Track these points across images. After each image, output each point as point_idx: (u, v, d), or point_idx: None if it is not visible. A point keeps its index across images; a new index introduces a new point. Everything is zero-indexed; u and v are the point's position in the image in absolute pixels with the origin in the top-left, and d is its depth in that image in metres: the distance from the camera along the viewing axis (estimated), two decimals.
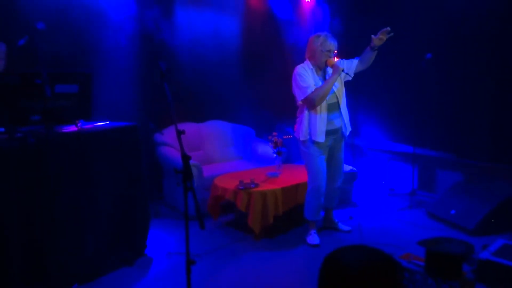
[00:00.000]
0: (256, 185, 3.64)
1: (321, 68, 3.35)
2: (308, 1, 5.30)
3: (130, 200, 3.13)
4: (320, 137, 3.29)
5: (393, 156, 5.08)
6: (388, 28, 3.22)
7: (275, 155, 4.02)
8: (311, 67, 3.33)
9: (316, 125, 3.27)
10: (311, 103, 3.22)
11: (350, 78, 3.32)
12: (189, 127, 4.52)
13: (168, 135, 4.36)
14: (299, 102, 3.37)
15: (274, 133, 4.02)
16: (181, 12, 4.69)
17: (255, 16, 5.23)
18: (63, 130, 2.77)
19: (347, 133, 3.50)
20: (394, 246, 3.36)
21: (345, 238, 3.65)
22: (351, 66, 3.40)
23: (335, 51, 3.33)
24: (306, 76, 3.26)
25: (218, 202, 3.87)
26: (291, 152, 4.88)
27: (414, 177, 4.70)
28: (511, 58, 4.04)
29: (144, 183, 3.24)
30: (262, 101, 5.43)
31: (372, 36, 3.26)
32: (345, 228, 3.79)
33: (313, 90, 3.20)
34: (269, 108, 5.51)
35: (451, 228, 3.80)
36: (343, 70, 3.18)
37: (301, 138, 3.38)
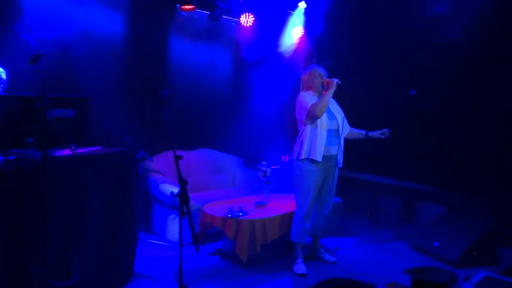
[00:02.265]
0: (245, 213, 3.69)
1: (320, 93, 3.56)
2: (298, 37, 5.54)
3: (119, 226, 3.14)
4: (319, 156, 3.43)
5: (378, 189, 5.22)
6: (389, 130, 3.72)
7: (264, 183, 4.09)
8: (312, 93, 3.59)
9: (316, 144, 3.44)
10: (312, 114, 3.41)
11: (340, 82, 3.51)
12: (179, 154, 4.56)
13: (157, 162, 4.39)
14: (302, 122, 3.55)
15: (264, 162, 4.11)
16: (176, 43, 4.85)
17: (245, 49, 5.43)
18: (58, 154, 2.81)
19: (339, 165, 3.63)
20: (380, 276, 3.42)
21: (331, 269, 3.70)
22: (346, 123, 3.69)
23: (326, 75, 3.60)
24: (308, 97, 3.51)
25: (206, 229, 3.89)
26: (279, 182, 4.97)
27: (398, 209, 4.83)
28: (492, 95, 4.28)
29: (134, 209, 3.26)
30: (251, 131, 5.56)
31: (370, 133, 3.75)
32: (331, 259, 3.85)
33: (312, 104, 3.42)
34: (257, 138, 5.64)
35: (435, 260, 3.90)
36: (338, 82, 3.44)
37: (300, 157, 3.51)
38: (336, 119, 3.55)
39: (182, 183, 2.08)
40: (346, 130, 3.71)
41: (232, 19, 5.17)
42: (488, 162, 4.31)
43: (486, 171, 4.32)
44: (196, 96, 5.08)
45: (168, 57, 4.79)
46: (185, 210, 2.06)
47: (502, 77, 4.19)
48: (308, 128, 3.49)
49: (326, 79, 3.53)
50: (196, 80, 5.07)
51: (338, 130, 3.55)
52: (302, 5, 5.22)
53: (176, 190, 2.20)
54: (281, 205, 4.03)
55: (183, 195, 2.04)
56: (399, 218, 4.84)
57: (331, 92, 3.43)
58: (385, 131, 3.75)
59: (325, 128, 3.47)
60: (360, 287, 1.09)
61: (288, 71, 5.83)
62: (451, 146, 4.60)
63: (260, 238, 3.61)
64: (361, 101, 3.92)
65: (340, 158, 3.61)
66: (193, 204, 4.15)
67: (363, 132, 3.79)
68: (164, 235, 4.22)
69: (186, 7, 4.52)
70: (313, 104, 3.40)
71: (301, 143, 3.52)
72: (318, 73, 3.56)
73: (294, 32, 5.45)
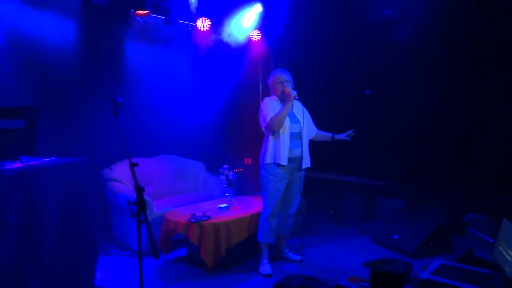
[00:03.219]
0: (208, 217, 3.68)
1: (284, 99, 3.60)
2: (255, 40, 5.59)
3: (78, 238, 3.05)
4: (283, 160, 3.51)
5: (339, 187, 5.34)
6: (353, 131, 3.88)
7: (227, 186, 4.10)
8: (276, 99, 3.65)
9: (280, 149, 3.52)
10: (270, 128, 3.52)
11: (297, 97, 3.56)
12: (139, 162, 4.44)
13: (116, 170, 4.31)
14: (263, 129, 3.63)
15: (225, 166, 4.12)
16: (132, 47, 4.77)
17: (204, 53, 5.42)
18: (6, 167, 2.70)
19: (305, 166, 3.71)
20: (342, 271, 3.51)
21: (296, 268, 3.75)
22: (312, 124, 3.84)
23: (289, 81, 3.64)
24: (270, 106, 3.57)
25: (170, 236, 3.85)
26: (243, 185, 4.99)
27: (359, 206, 4.96)
28: (443, 92, 4.48)
29: (93, 220, 3.18)
30: (213, 135, 5.55)
31: (336, 136, 3.89)
32: (296, 257, 3.92)
33: (271, 117, 3.49)
34: (220, 142, 5.64)
35: (394, 252, 4.04)
36: (295, 97, 3.49)
37: (266, 162, 3.58)
38: (298, 122, 3.63)
39: (139, 190, 2.05)
40: (312, 132, 3.83)
41: (188, 24, 5.15)
42: (441, 157, 4.52)
43: (440, 166, 4.53)
44: (156, 102, 5.02)
45: (124, 63, 4.70)
46: (142, 218, 2.02)
47: (452, 74, 4.40)
48: (271, 135, 3.58)
49: (285, 89, 3.57)
50: (155, 85, 5.01)
51: (300, 132, 3.63)
52: (257, 8, 5.23)
53: (133, 198, 2.16)
54: (246, 207, 4.06)
55: (139, 203, 2.01)
56: (360, 214, 4.98)
57: (289, 105, 3.49)
58: (350, 132, 3.88)
59: (287, 131, 3.54)
60: (316, 283, 1.16)
61: (248, 75, 5.87)
62: (407, 142, 4.79)
63: (224, 241, 3.62)
64: (320, 102, 4.02)
65: (307, 159, 3.70)
66: (156, 211, 4.10)
67: (329, 134, 3.91)
68: (127, 244, 4.13)
69: (141, 12, 4.46)
70: (271, 119, 3.49)
71: (266, 148, 3.61)
72: (279, 81, 3.61)
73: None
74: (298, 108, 3.72)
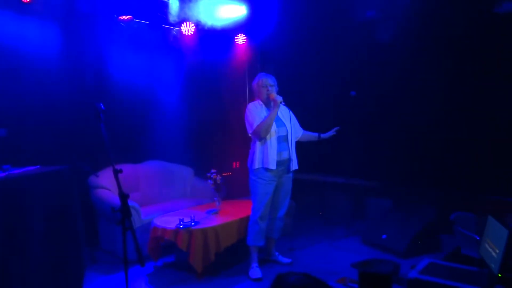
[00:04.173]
0: (197, 223, 3.66)
1: (269, 103, 3.61)
2: (241, 44, 5.60)
3: (64, 248, 3.00)
4: (272, 165, 3.53)
5: (328, 188, 5.36)
6: (338, 128, 3.86)
7: (215, 191, 4.09)
8: (261, 103, 3.65)
9: (268, 154, 3.53)
10: (257, 135, 3.53)
11: (283, 103, 3.57)
12: (125, 168, 4.42)
13: (103, 177, 4.27)
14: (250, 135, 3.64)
15: (213, 170, 4.11)
16: (116, 52, 4.74)
17: (189, 58, 5.41)
18: None
19: (294, 168, 3.72)
20: (332, 272, 3.53)
21: (286, 270, 3.73)
22: (298, 125, 3.86)
23: (273, 85, 3.63)
24: (255, 112, 3.57)
25: (159, 243, 3.83)
26: (231, 189, 4.98)
27: (348, 206, 4.98)
28: (428, 91, 4.54)
29: (79, 229, 3.14)
30: (200, 139, 5.53)
31: (322, 135, 3.88)
32: (286, 260, 3.93)
33: (258, 124, 3.48)
34: (207, 147, 5.62)
35: (383, 252, 4.07)
36: (281, 102, 3.50)
37: (254, 167, 3.58)
38: (285, 125, 3.65)
39: (123, 197, 2.03)
40: (298, 133, 3.85)
41: (173, 28, 5.14)
42: (428, 156, 4.57)
43: (427, 164, 4.58)
44: (141, 107, 4.98)
45: (108, 68, 4.65)
46: (128, 224, 2.01)
47: (437, 73, 4.45)
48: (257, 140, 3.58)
49: (271, 94, 3.57)
50: (140, 91, 4.96)
51: (287, 135, 3.64)
52: (241, 9, 5.20)
53: (118, 205, 2.14)
54: (234, 211, 4.05)
55: (124, 210, 1.99)
56: (349, 215, 5.01)
57: (275, 111, 3.51)
58: (335, 129, 3.89)
59: (274, 136, 3.56)
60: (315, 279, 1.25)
61: (234, 78, 5.86)
62: (394, 142, 4.83)
63: (213, 246, 3.60)
64: (306, 103, 4.04)
65: (295, 161, 3.72)
66: (144, 218, 4.07)
67: (316, 134, 3.92)
68: (114, 252, 4.09)
69: (124, 17, 4.44)
70: (258, 125, 3.49)
71: (254, 153, 3.61)
72: (264, 85, 3.61)
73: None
74: (283, 110, 3.73)
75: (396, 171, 4.79)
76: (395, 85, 4.77)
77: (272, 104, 3.54)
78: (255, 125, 3.51)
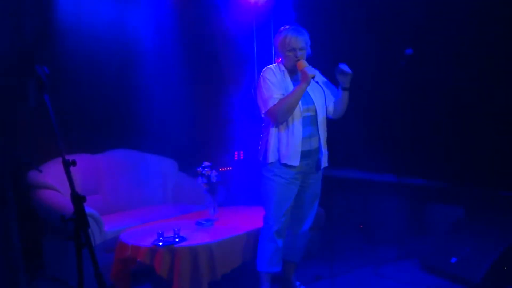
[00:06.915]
0: (182, 238, 3.66)
1: (295, 72, 3.53)
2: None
3: None
4: (294, 160, 3.43)
5: (371, 189, 5.33)
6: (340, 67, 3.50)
7: (209, 192, 4.11)
8: (283, 69, 3.55)
9: (288, 143, 3.44)
10: (274, 116, 3.42)
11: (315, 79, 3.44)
12: (81, 160, 4.44)
13: (48, 173, 4.29)
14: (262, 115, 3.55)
15: (206, 163, 4.10)
16: None
17: (175, 10, 5.38)
18: None
19: (324, 165, 3.63)
20: None
21: None
22: (331, 96, 3.65)
23: (304, 49, 3.47)
24: (272, 83, 3.45)
25: (128, 267, 3.84)
26: (232, 190, 4.98)
27: (401, 217, 4.96)
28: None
29: (12, 245, 3.16)
30: (187, 123, 5.53)
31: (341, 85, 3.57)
32: None
33: (276, 102, 3.38)
34: (198, 132, 5.62)
35: (453, 283, 4.04)
36: (313, 77, 3.36)
37: (268, 161, 3.50)
38: (313, 103, 3.54)
39: (77, 200, 2.01)
40: (330, 108, 3.67)
41: None
42: None
43: None
44: (103, 76, 5.00)
45: (55, 17, 4.63)
46: (84, 240, 1.99)
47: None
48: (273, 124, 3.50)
49: (300, 63, 3.40)
50: (102, 52, 4.98)
51: (316, 117, 3.55)
52: None
53: (70, 211, 2.12)
54: (237, 223, 4.06)
55: (78, 218, 1.98)
56: (403, 229, 4.98)
57: (302, 88, 3.35)
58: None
59: (299, 117, 3.45)
60: None
61: (238, 37, 5.81)
62: (468, 128, 4.74)
63: (207, 272, 3.59)
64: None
65: (325, 155, 3.62)
66: (107, 230, 4.10)
67: (338, 90, 3.64)
68: (64, 278, 4.15)
69: None
70: (275, 105, 3.37)
71: (267, 141, 3.53)
72: (291, 47, 3.44)
73: None
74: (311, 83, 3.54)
75: (471, 167, 4.73)
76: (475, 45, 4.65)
77: (300, 75, 3.42)
78: (270, 102, 3.40)
